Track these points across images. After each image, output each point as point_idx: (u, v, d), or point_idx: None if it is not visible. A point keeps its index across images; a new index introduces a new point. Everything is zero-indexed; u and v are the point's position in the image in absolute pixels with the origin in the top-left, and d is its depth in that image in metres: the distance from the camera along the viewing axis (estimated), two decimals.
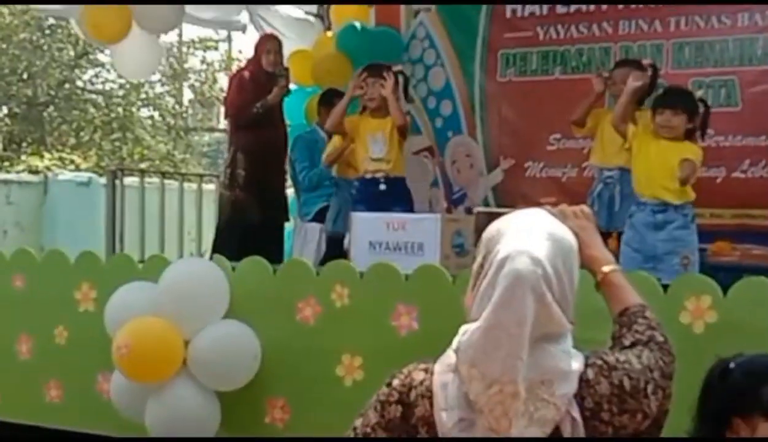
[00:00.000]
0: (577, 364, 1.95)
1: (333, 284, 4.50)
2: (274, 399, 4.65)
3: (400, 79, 6.18)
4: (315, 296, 4.54)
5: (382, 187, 5.80)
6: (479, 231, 2.13)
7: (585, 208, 2.32)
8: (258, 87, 6.70)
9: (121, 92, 21.77)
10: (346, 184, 6.34)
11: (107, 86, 22.06)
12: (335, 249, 6.27)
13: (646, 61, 5.94)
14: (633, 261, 4.97)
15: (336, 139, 6.40)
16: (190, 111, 25.03)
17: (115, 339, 4.40)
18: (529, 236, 1.97)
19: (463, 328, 1.97)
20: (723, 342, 3.79)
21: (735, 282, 3.90)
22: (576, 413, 1.92)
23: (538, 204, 2.24)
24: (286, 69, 6.80)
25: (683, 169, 4.98)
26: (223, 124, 20.19)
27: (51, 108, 20.99)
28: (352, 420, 4.62)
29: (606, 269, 2.23)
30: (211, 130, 26.10)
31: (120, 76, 19.66)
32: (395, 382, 2.06)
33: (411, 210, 6.12)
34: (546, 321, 1.91)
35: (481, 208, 4.76)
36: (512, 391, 1.87)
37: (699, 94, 5.25)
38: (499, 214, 2.14)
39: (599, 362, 1.99)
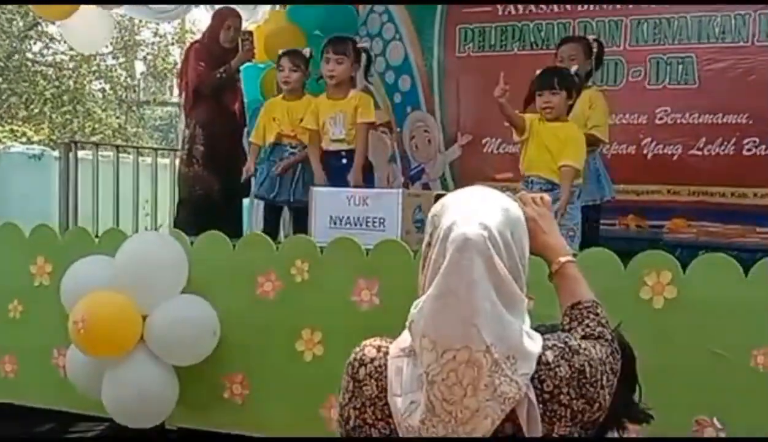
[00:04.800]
0: (536, 346, 1.92)
1: (293, 259, 4.48)
2: (233, 374, 4.63)
3: (363, 56, 6.09)
4: (275, 271, 4.52)
5: (344, 160, 5.76)
6: None
7: (545, 196, 2.32)
8: (215, 60, 6.61)
9: (71, 65, 21.50)
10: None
11: (57, 58, 21.79)
12: (271, 217, 6.21)
13: (591, 37, 5.96)
14: None
15: (261, 119, 6.14)
16: (143, 84, 24.80)
17: (71, 314, 4.35)
18: (474, 205, 1.96)
19: (416, 302, 1.93)
20: (682, 317, 3.85)
21: (692, 259, 3.95)
22: (532, 396, 1.89)
23: (495, 180, 2.24)
24: (250, 33, 6.71)
25: (563, 177, 5.02)
26: (176, 97, 20.03)
27: (0, 80, 20.67)
28: (311, 395, 4.62)
29: (563, 259, 2.22)
30: (164, 103, 25.88)
31: (71, 49, 19.46)
32: (351, 356, 2.03)
33: (372, 182, 6.07)
34: (499, 288, 1.87)
35: (441, 193, 4.74)
36: (466, 358, 1.82)
37: (573, 69, 5.27)
38: None
39: (560, 344, 1.97)
